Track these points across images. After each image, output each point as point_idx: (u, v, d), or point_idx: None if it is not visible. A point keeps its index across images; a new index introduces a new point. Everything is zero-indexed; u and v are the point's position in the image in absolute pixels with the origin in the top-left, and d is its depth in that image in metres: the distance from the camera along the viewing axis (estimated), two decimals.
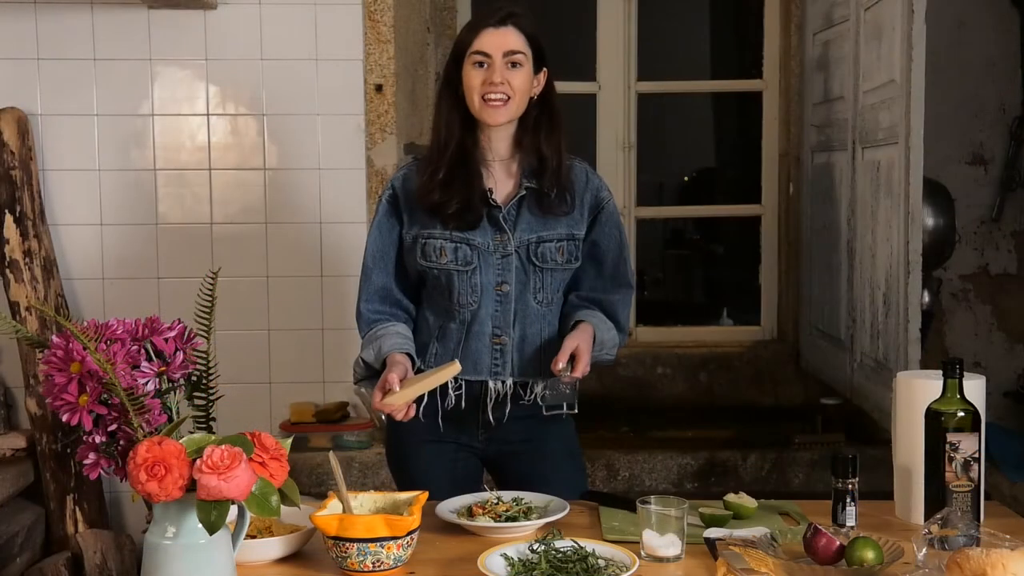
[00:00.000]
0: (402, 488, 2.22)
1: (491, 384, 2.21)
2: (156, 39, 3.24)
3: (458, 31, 3.70)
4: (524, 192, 2.20)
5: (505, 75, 2.13)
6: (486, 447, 2.27)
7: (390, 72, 3.27)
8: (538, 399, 2.21)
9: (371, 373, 2.19)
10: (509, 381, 2.21)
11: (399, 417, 2.07)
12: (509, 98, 2.15)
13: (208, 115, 3.27)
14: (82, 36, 3.22)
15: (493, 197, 2.20)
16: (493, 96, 2.14)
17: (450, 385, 2.18)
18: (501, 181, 2.23)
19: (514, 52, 2.14)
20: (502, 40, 2.14)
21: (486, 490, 2.07)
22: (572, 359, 2.12)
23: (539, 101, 2.22)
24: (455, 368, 2.04)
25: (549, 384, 2.18)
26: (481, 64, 2.14)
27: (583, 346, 2.13)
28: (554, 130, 2.22)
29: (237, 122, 3.28)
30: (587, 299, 2.28)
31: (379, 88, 3.27)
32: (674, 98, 4.52)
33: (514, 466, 2.29)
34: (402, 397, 2.03)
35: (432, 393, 2.16)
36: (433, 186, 2.17)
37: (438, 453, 2.25)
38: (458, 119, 2.19)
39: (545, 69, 2.22)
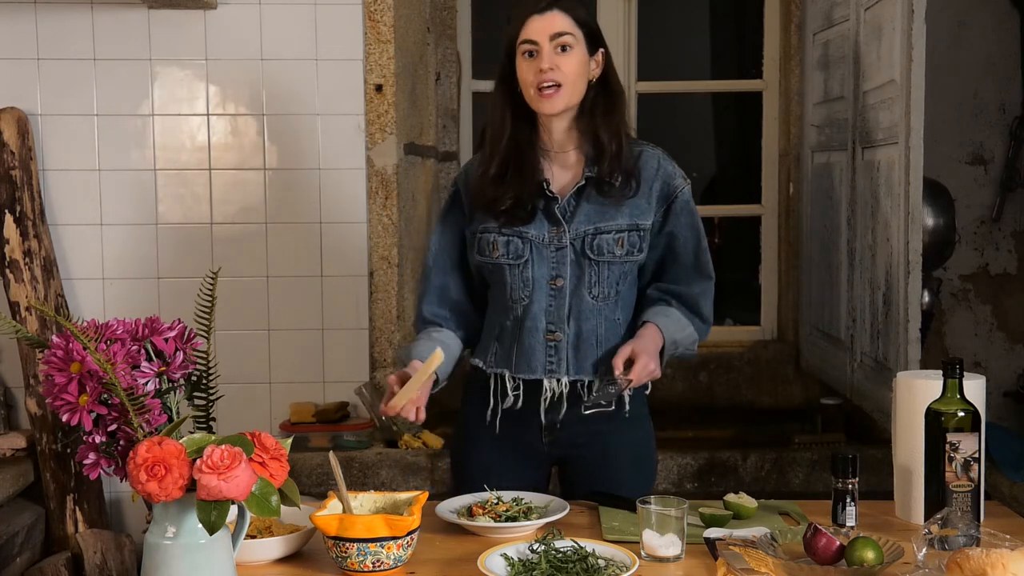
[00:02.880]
0: (461, 492, 2.17)
1: (546, 383, 2.16)
2: (156, 39, 3.23)
3: (458, 31, 3.75)
4: (584, 182, 2.15)
5: (554, 60, 2.08)
6: (551, 449, 2.22)
7: (390, 72, 3.27)
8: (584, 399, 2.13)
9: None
10: (565, 379, 2.16)
11: (411, 419, 2.04)
12: (561, 84, 2.09)
13: (208, 115, 3.27)
14: (82, 36, 3.21)
15: (550, 188, 2.16)
16: (546, 84, 2.09)
17: (508, 386, 2.17)
18: (559, 171, 2.18)
19: (561, 34, 2.09)
20: (547, 24, 2.09)
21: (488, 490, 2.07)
22: (631, 363, 2.06)
23: (598, 82, 2.17)
24: (438, 356, 2.00)
25: (599, 386, 2.11)
26: (531, 54, 2.10)
27: (640, 348, 2.07)
28: (612, 111, 2.16)
29: (237, 122, 3.28)
30: (667, 291, 2.21)
31: (379, 88, 3.27)
32: (674, 98, 4.51)
33: (578, 470, 2.24)
34: (401, 397, 2.01)
35: (493, 394, 2.17)
36: (486, 181, 2.15)
37: (501, 458, 2.21)
38: (511, 112, 2.16)
39: (602, 50, 2.16)
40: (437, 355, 2.00)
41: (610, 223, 2.14)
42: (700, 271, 2.22)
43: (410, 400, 2.01)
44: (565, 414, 2.17)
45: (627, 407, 2.18)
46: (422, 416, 2.05)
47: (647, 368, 2.06)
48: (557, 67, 2.09)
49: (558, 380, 2.16)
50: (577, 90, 2.12)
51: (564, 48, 2.10)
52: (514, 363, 2.17)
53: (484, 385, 2.21)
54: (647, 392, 2.27)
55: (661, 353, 2.14)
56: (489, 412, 2.19)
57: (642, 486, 2.23)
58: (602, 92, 2.17)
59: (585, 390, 2.16)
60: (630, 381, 2.05)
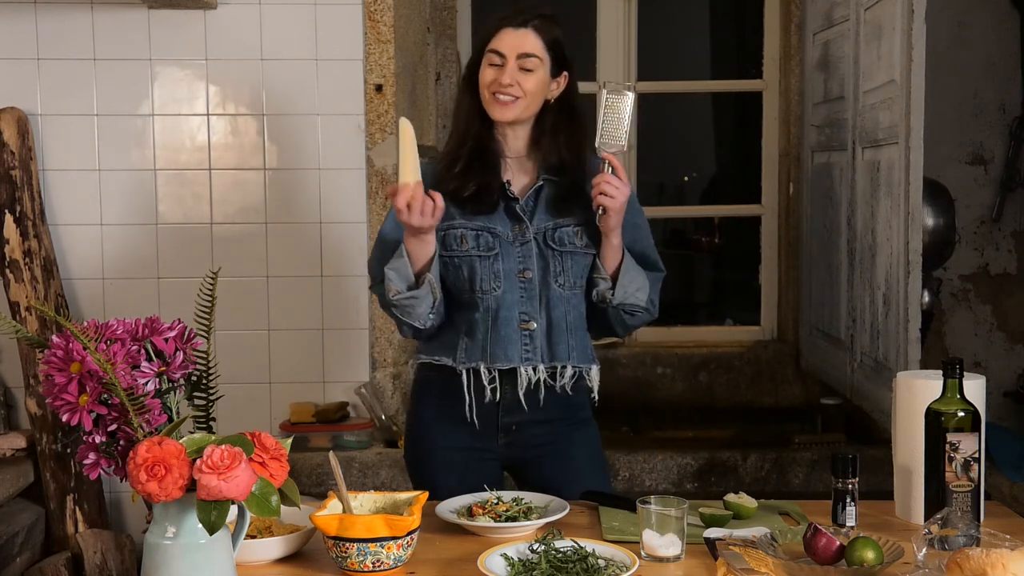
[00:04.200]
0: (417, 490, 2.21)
1: (522, 370, 2.19)
2: (156, 39, 3.23)
3: (458, 31, 3.76)
4: (541, 184, 2.22)
5: (516, 77, 2.16)
6: (507, 451, 2.26)
7: (390, 72, 3.27)
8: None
9: (405, 279, 2.13)
10: (541, 367, 2.19)
11: (422, 206, 2.04)
12: (518, 98, 2.17)
13: (208, 115, 3.27)
14: (82, 36, 3.21)
15: (510, 189, 2.22)
16: (501, 95, 2.17)
17: (484, 378, 2.18)
18: (517, 175, 2.25)
19: (528, 56, 2.16)
20: (518, 42, 2.17)
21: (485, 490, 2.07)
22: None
23: (558, 103, 2.23)
24: (404, 121, 2.06)
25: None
26: (496, 63, 2.17)
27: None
28: (574, 133, 2.23)
29: (237, 122, 3.28)
30: None
31: (379, 88, 3.27)
32: (674, 98, 4.51)
33: (536, 472, 2.26)
34: (404, 176, 2.05)
35: (467, 390, 2.18)
36: (451, 175, 2.20)
37: (455, 461, 2.24)
38: (476, 112, 2.22)
39: (566, 73, 2.23)
40: (403, 120, 2.07)
41: (568, 218, 2.21)
42: (648, 267, 2.27)
43: (417, 185, 2.04)
44: (527, 413, 2.20)
45: (596, 397, 2.26)
46: (440, 203, 2.06)
47: (622, 188, 2.11)
48: (517, 84, 2.17)
49: (534, 368, 2.19)
50: (531, 106, 2.20)
51: (528, 68, 2.17)
52: (489, 354, 2.19)
53: (451, 384, 2.21)
54: (593, 396, 2.30)
55: (616, 273, 2.19)
56: (466, 408, 2.19)
57: (603, 483, 2.30)
58: (564, 113, 2.24)
59: (559, 376, 2.20)
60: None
